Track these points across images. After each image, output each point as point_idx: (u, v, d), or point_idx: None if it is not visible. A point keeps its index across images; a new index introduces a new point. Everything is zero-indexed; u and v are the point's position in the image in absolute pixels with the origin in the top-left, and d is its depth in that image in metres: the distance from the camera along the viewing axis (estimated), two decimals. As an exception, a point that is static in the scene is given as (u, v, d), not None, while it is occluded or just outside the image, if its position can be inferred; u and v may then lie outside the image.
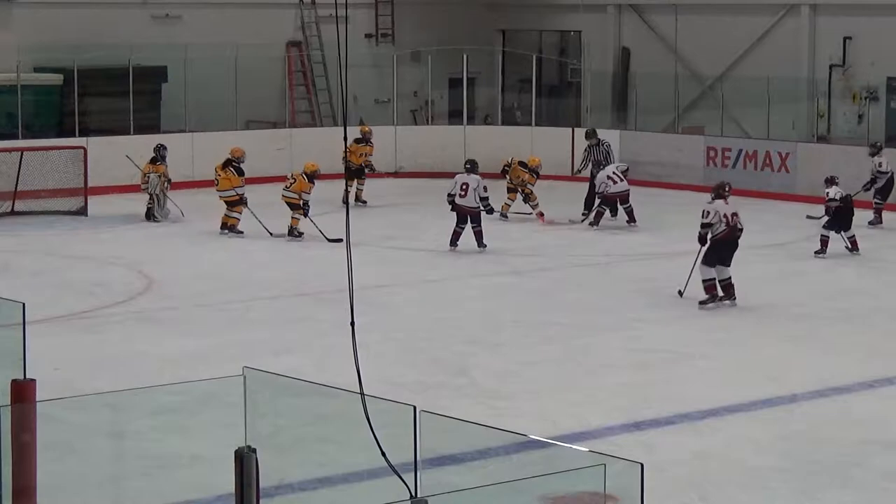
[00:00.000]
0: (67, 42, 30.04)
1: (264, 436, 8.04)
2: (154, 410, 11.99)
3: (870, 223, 24.24)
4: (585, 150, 26.91)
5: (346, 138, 8.41)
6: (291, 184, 23.13)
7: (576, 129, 31.41)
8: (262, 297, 18.73)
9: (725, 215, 18.32)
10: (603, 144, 26.52)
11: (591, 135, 26.93)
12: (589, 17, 34.61)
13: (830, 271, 21.05)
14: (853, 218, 21.94)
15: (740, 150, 29.26)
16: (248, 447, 7.61)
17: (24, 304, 9.52)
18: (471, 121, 33.19)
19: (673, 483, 11.33)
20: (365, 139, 27.24)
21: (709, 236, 18.35)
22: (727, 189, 18.79)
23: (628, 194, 24.65)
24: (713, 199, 18.59)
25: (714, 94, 32.11)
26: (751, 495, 11.32)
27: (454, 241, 22.10)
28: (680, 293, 18.67)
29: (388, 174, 27.83)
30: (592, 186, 25.37)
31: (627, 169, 26.28)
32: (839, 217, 21.79)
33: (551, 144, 30.57)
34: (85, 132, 28.64)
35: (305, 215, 22.86)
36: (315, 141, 29.73)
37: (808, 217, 17.80)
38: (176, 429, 11.94)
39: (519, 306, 18.39)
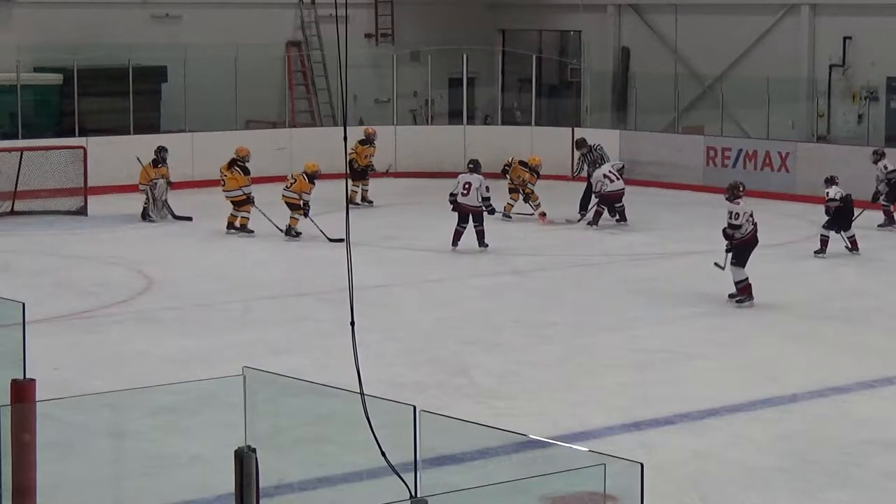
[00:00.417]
0: (67, 42, 30.04)
1: (264, 436, 8.03)
2: (154, 410, 11.98)
3: (879, 226, 24.17)
4: (579, 158, 26.93)
5: (345, 138, 8.39)
6: (291, 184, 23.14)
7: (576, 129, 31.44)
8: (262, 297, 18.73)
9: (749, 215, 18.33)
10: (596, 150, 26.47)
11: (581, 144, 26.90)
12: (589, 16, 34.61)
13: (830, 271, 21.05)
14: (853, 218, 21.94)
15: (740, 150, 29.26)
16: (248, 447, 7.60)
17: (23, 304, 9.51)
18: (471, 121, 33.20)
19: (673, 483, 11.33)
20: (369, 140, 27.25)
21: (735, 237, 18.30)
22: (742, 188, 18.82)
23: (623, 193, 24.68)
24: (733, 199, 18.49)
25: (714, 94, 32.11)
26: (751, 495, 11.31)
27: (456, 240, 22.12)
28: (720, 266, 18.61)
29: (381, 174, 27.82)
30: (590, 186, 25.37)
31: (623, 167, 26.26)
32: (839, 217, 21.78)
33: (551, 144, 30.57)
34: (85, 132, 28.63)
35: (306, 215, 22.86)
36: (315, 141, 29.73)
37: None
38: (176, 429, 11.94)
39: (519, 306, 18.39)
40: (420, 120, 34.26)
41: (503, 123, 33.41)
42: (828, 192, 21.88)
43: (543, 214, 24.94)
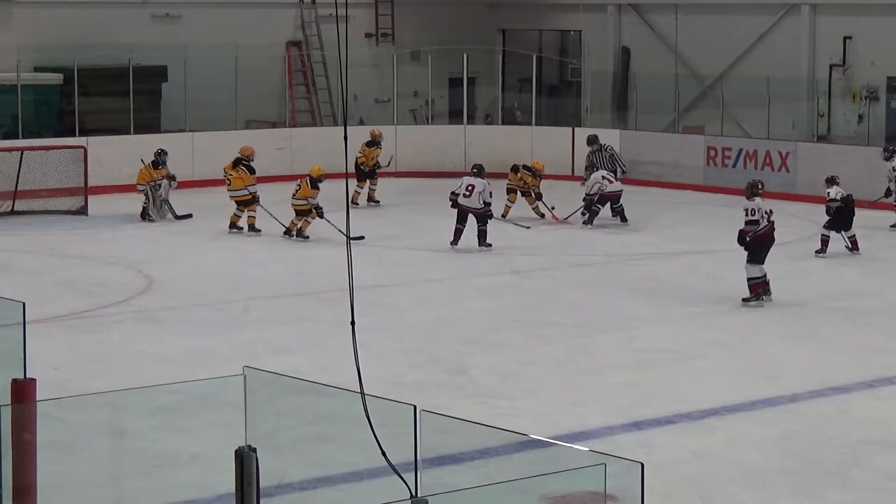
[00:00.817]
0: (67, 42, 30.04)
1: (264, 435, 8.03)
2: (154, 410, 11.98)
3: (892, 226, 24.13)
4: (588, 156, 26.88)
5: (346, 138, 8.40)
6: (297, 190, 23.05)
7: (576, 128, 31.45)
8: (262, 297, 18.73)
9: (765, 212, 18.33)
10: (606, 150, 26.47)
11: (592, 140, 26.92)
12: (589, 16, 34.61)
13: (831, 271, 21.05)
14: (854, 218, 21.92)
15: (740, 150, 29.26)
16: (248, 447, 7.60)
17: (24, 304, 9.51)
18: (471, 120, 33.20)
19: (673, 483, 11.33)
20: (376, 142, 27.33)
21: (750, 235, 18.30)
22: (761, 186, 18.81)
23: (621, 195, 24.72)
24: (751, 197, 18.50)
25: (714, 94, 32.11)
26: (751, 495, 11.31)
27: (456, 239, 22.18)
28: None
29: (384, 171, 27.77)
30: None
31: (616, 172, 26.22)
32: (840, 217, 21.78)
33: (551, 144, 30.57)
34: (85, 132, 28.63)
35: (321, 216, 22.74)
36: (315, 140, 29.72)
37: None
38: (176, 428, 11.93)
39: (519, 306, 18.39)
40: (420, 120, 34.26)
41: (503, 123, 33.41)
42: (829, 193, 21.89)
43: (554, 215, 25.01)
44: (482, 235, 22.23)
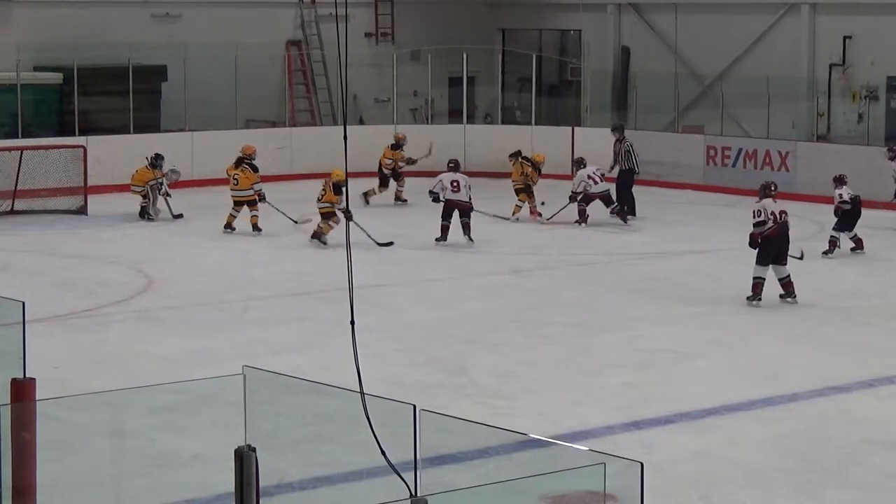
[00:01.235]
0: (67, 41, 30.03)
1: (264, 435, 8.03)
2: (153, 410, 11.97)
3: None
4: (615, 144, 26.63)
5: (346, 137, 8.40)
6: (323, 195, 22.81)
7: (576, 128, 31.45)
8: (261, 297, 18.72)
9: (773, 213, 18.32)
10: (625, 143, 26.36)
11: (616, 128, 26.97)
12: (589, 16, 34.61)
13: (833, 270, 21.03)
14: (859, 219, 21.85)
15: (740, 150, 29.26)
16: (248, 446, 7.60)
17: (23, 303, 9.50)
18: (471, 120, 33.21)
19: (673, 483, 11.33)
20: (399, 145, 27.48)
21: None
22: (774, 188, 18.81)
23: (609, 195, 24.69)
24: (761, 198, 18.51)
25: (714, 94, 32.11)
26: (751, 495, 11.31)
27: (444, 235, 22.57)
28: (801, 255, 18.92)
29: (424, 156, 27.67)
30: (621, 175, 25.56)
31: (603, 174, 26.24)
32: (847, 218, 21.68)
33: (551, 144, 30.54)
34: (85, 131, 28.63)
35: (350, 219, 22.56)
36: (315, 140, 29.72)
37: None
38: (176, 428, 11.93)
39: (519, 306, 18.39)
40: (420, 119, 34.25)
41: (503, 123, 33.42)
42: (840, 194, 21.68)
43: (537, 212, 25.10)
44: (466, 228, 22.60)
